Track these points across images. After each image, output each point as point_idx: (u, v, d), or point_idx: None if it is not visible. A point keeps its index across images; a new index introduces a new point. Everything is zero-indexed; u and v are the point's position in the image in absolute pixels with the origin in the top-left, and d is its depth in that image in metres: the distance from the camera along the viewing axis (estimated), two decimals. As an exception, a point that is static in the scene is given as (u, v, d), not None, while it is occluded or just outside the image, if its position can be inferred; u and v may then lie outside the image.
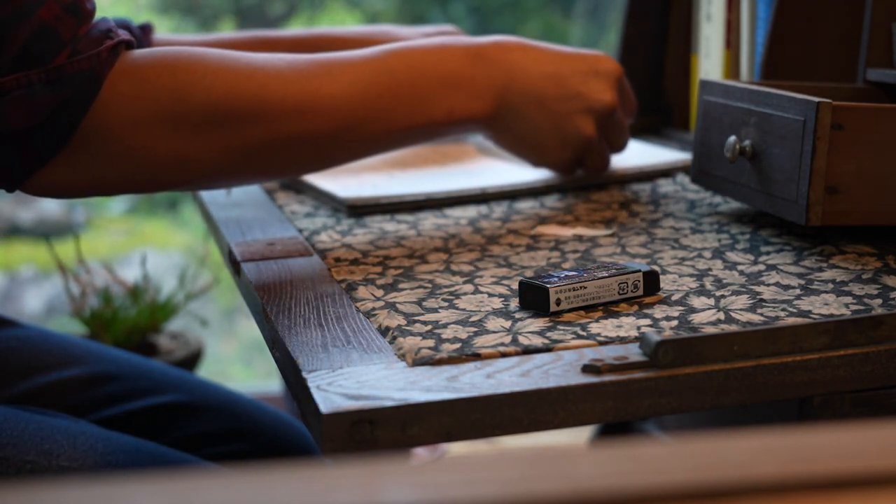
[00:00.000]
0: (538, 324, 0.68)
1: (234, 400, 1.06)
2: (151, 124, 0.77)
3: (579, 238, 0.88)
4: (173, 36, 1.10)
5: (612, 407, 0.60)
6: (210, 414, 1.03)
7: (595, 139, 0.97)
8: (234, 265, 0.86)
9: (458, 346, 0.65)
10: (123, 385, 1.02)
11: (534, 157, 0.98)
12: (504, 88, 0.90)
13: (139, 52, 0.78)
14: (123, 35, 0.78)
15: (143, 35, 1.06)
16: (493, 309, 0.71)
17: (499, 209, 0.98)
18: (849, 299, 0.71)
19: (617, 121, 0.98)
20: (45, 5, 0.73)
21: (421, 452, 1.82)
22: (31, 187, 0.78)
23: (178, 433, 1.01)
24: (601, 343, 0.65)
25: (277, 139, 0.81)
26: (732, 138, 0.87)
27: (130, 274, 1.89)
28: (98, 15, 0.78)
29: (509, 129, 0.93)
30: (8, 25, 0.73)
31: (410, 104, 0.86)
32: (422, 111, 0.86)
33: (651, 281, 0.73)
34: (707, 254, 0.82)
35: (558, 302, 0.69)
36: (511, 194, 1.02)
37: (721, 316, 0.69)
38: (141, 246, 2.54)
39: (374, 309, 0.72)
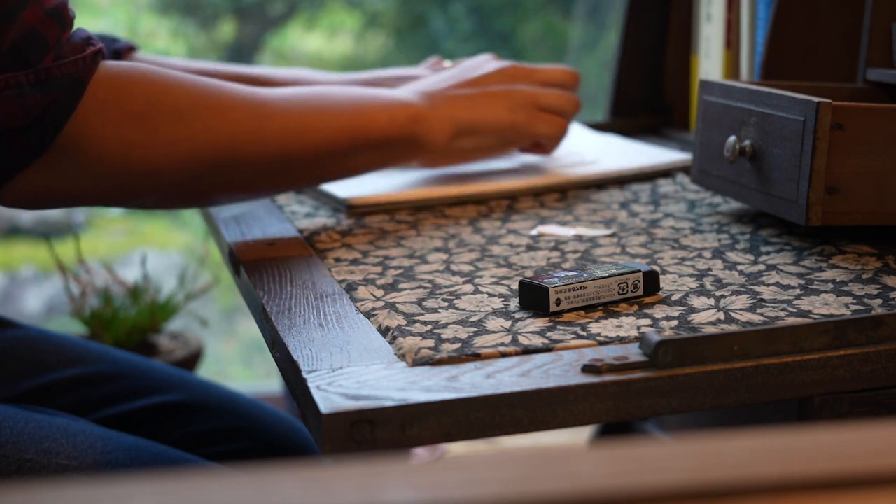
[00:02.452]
0: (538, 324, 0.68)
1: (233, 399, 1.06)
2: (127, 131, 0.79)
3: (579, 238, 0.88)
4: (155, 56, 1.11)
5: (612, 407, 0.60)
6: (210, 413, 1.03)
7: (516, 114, 1.00)
8: (234, 265, 0.86)
9: (458, 346, 0.65)
10: (123, 385, 1.02)
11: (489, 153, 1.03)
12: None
13: (113, 63, 0.81)
14: (100, 44, 0.80)
15: (126, 52, 1.08)
16: (493, 309, 0.71)
17: (499, 209, 0.98)
18: (849, 299, 0.71)
19: (530, 91, 1.02)
20: (28, 9, 0.75)
21: (421, 452, 1.82)
22: (5, 194, 0.79)
23: (178, 432, 1.01)
24: (601, 343, 0.65)
25: (242, 147, 0.84)
26: (732, 138, 0.87)
27: (130, 274, 1.89)
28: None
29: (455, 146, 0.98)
30: None
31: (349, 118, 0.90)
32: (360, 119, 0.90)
33: (651, 281, 0.73)
34: (707, 254, 0.82)
35: (558, 302, 0.69)
36: (511, 194, 1.02)
37: (721, 316, 0.69)
38: (141, 246, 2.54)
39: (374, 309, 0.72)
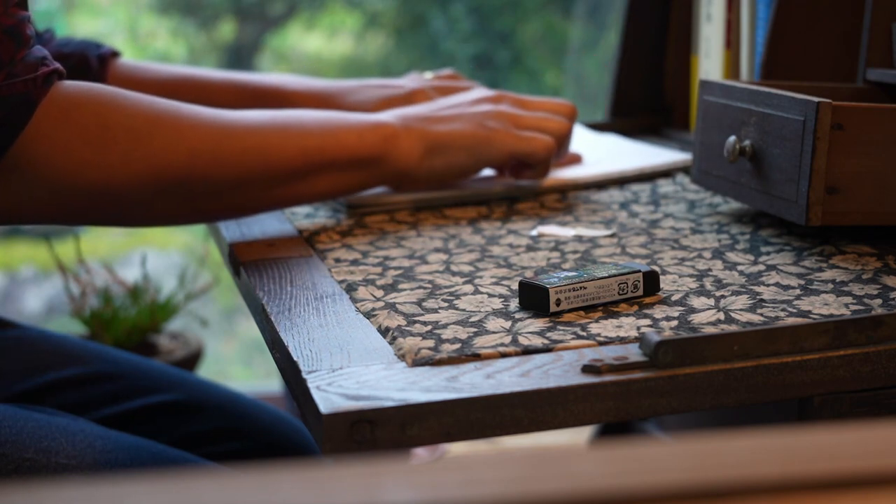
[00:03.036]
0: (538, 324, 0.68)
1: (233, 399, 1.06)
2: (80, 150, 0.79)
3: (579, 238, 0.88)
4: (137, 62, 1.11)
5: (612, 407, 0.60)
6: (209, 413, 1.03)
7: (488, 128, 0.96)
8: (234, 265, 0.86)
9: (457, 346, 0.65)
10: (122, 384, 1.02)
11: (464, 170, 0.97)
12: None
13: (69, 83, 0.80)
14: (56, 65, 0.79)
15: (109, 58, 1.07)
16: (493, 309, 0.71)
17: (499, 209, 0.98)
18: (849, 299, 0.71)
19: (508, 111, 0.98)
20: None
21: (421, 452, 1.82)
22: None
23: (177, 432, 1.01)
24: (601, 343, 0.65)
25: (200, 167, 0.83)
26: (732, 138, 0.87)
27: (130, 274, 1.89)
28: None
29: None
30: None
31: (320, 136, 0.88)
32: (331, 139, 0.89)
33: (651, 281, 0.73)
34: (707, 254, 0.82)
35: (558, 302, 0.69)
36: (511, 195, 1.02)
37: (721, 316, 0.69)
38: (141, 246, 2.54)
39: (373, 309, 0.72)
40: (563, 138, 1.02)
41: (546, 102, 1.04)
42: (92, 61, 1.06)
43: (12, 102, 0.76)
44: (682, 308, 0.71)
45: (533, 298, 0.70)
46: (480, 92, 1.01)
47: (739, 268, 0.79)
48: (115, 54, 1.09)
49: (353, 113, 0.93)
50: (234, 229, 0.94)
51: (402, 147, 0.91)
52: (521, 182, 1.03)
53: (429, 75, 1.14)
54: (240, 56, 2.51)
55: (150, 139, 0.81)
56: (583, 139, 1.22)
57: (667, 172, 1.10)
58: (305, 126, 0.87)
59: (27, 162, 0.77)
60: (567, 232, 0.89)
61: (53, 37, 1.07)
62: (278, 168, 0.86)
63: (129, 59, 1.11)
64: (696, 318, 0.69)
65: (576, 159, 1.11)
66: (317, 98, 1.07)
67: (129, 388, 1.02)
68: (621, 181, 1.07)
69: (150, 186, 0.81)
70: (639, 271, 0.72)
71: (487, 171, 1.05)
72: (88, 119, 0.79)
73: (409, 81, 1.11)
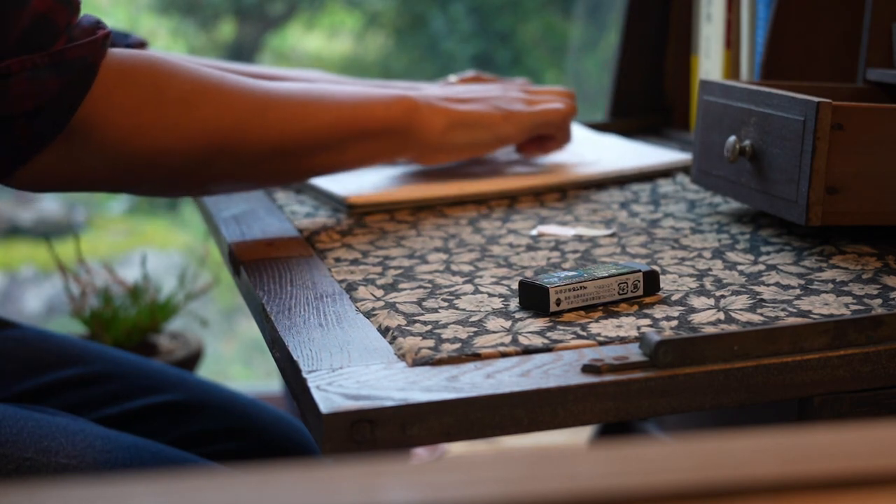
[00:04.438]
0: (538, 324, 0.68)
1: (233, 399, 1.06)
2: (135, 115, 0.81)
3: (579, 238, 0.88)
4: (166, 53, 1.12)
5: (612, 407, 0.60)
6: (209, 412, 1.03)
7: (509, 107, 1.02)
8: (234, 265, 0.86)
9: (458, 346, 0.65)
10: (122, 384, 1.02)
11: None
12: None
13: (119, 50, 0.82)
14: (108, 28, 0.81)
15: (137, 48, 1.08)
16: (493, 309, 0.71)
17: (499, 209, 0.98)
18: (849, 299, 0.71)
19: (523, 92, 1.06)
20: None
21: (421, 452, 1.82)
22: (19, 177, 0.80)
23: (177, 432, 1.01)
24: (601, 343, 0.65)
25: (245, 134, 0.86)
26: (732, 138, 0.87)
27: (130, 274, 1.89)
28: (99, 17, 0.82)
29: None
30: (7, 13, 0.75)
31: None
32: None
33: (651, 281, 0.73)
34: (707, 254, 0.82)
35: (558, 302, 0.69)
36: (511, 194, 1.02)
37: (721, 316, 0.69)
38: (141, 246, 2.54)
39: (374, 309, 0.72)
40: (569, 116, 1.07)
41: (548, 89, 1.11)
42: None
43: (77, 66, 0.77)
44: (682, 308, 0.71)
45: (533, 298, 0.70)
46: (490, 84, 1.09)
47: (739, 268, 0.79)
48: (142, 44, 1.10)
49: (379, 88, 0.97)
50: (234, 229, 0.94)
51: (425, 119, 0.95)
52: (548, 168, 1.09)
53: (453, 78, 1.17)
54: (240, 56, 2.51)
55: (200, 105, 0.84)
56: (583, 139, 1.22)
57: (667, 172, 1.10)
58: (338, 98, 0.91)
59: (87, 126, 0.79)
60: (567, 232, 0.89)
61: None
62: (316, 136, 0.89)
63: (157, 49, 1.12)
64: (696, 318, 0.69)
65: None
66: None
67: (128, 388, 1.02)
68: (621, 181, 1.07)
69: (200, 151, 0.84)
70: (639, 271, 0.72)
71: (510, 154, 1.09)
72: (143, 84, 0.82)
73: (436, 88, 1.14)
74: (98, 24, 0.80)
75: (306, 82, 1.10)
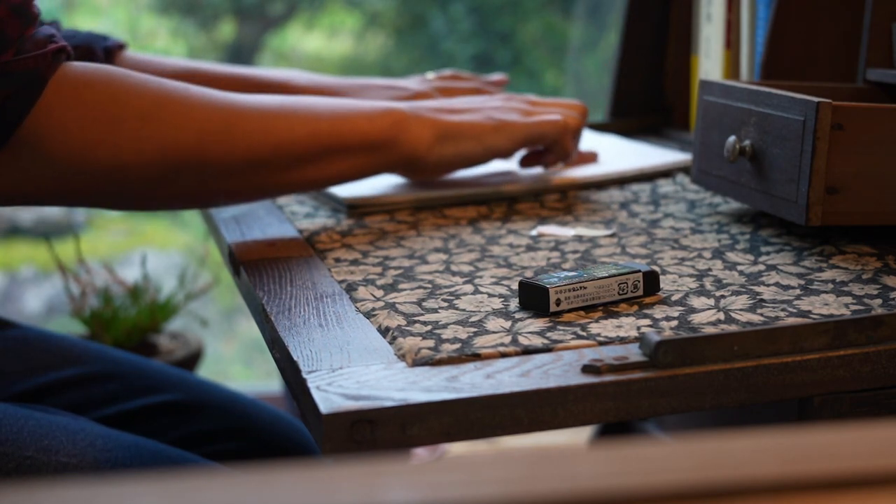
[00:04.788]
0: (538, 324, 0.68)
1: (232, 398, 1.06)
2: (91, 129, 0.79)
3: (579, 238, 0.88)
4: (144, 55, 1.11)
5: (612, 407, 0.60)
6: (209, 412, 1.03)
7: (499, 118, 0.98)
8: (234, 265, 0.86)
9: (457, 346, 0.65)
10: (122, 384, 1.02)
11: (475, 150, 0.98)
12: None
13: (79, 63, 0.80)
14: (63, 42, 0.79)
15: (116, 50, 1.08)
16: (493, 309, 0.71)
17: (499, 209, 0.98)
18: (849, 299, 0.71)
19: (519, 104, 1.01)
20: None
21: (421, 452, 1.82)
22: None
23: (177, 431, 1.01)
24: (601, 343, 0.65)
25: (209, 148, 0.83)
26: (732, 138, 0.87)
27: (130, 274, 1.89)
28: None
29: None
30: None
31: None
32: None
33: (651, 281, 0.73)
34: (707, 254, 0.82)
35: (558, 302, 0.69)
36: (511, 195, 1.02)
37: (721, 316, 0.69)
38: (141, 246, 2.54)
39: (373, 309, 0.72)
40: (575, 131, 1.03)
41: (557, 101, 1.05)
42: (98, 53, 1.06)
43: (22, 78, 0.76)
44: (682, 308, 0.71)
45: (533, 298, 0.70)
46: (492, 95, 1.04)
47: (739, 268, 0.79)
48: (121, 47, 1.09)
49: (366, 100, 0.94)
50: (234, 229, 0.94)
51: (412, 132, 0.91)
52: (548, 171, 1.06)
53: (431, 76, 1.15)
54: (240, 56, 2.52)
55: (160, 119, 0.81)
56: (583, 139, 1.22)
57: (667, 172, 1.10)
58: (316, 110, 0.88)
59: (37, 140, 0.77)
60: (567, 232, 0.89)
61: (59, 29, 1.07)
62: (289, 151, 0.86)
63: (136, 51, 1.11)
64: (696, 318, 0.69)
65: (591, 157, 1.11)
66: (320, 94, 1.08)
67: (128, 388, 1.02)
68: (621, 181, 1.07)
69: (158, 166, 0.81)
70: (639, 271, 0.72)
71: (506, 165, 1.06)
72: (99, 98, 0.80)
73: (414, 83, 1.12)
74: (52, 38, 0.78)
75: (285, 85, 1.09)
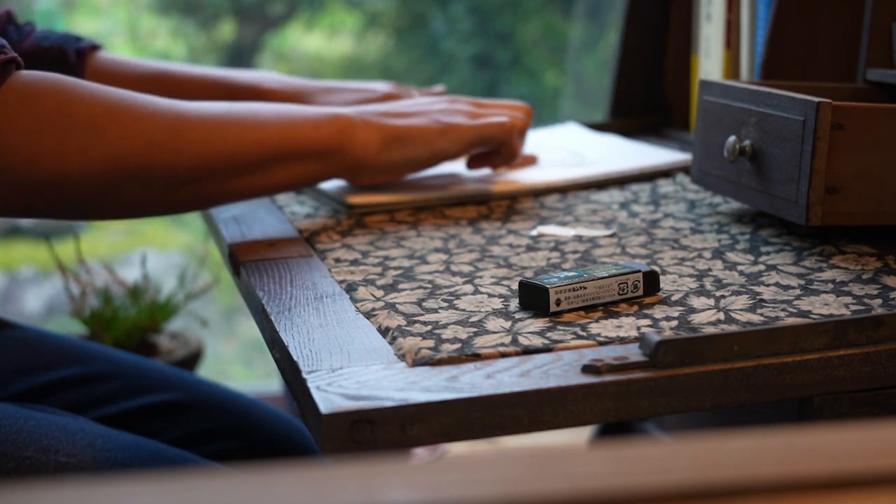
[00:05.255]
0: (538, 324, 0.68)
1: (232, 398, 1.06)
2: (37, 139, 0.79)
3: (579, 238, 0.88)
4: (115, 56, 1.11)
5: (612, 407, 0.60)
6: (208, 412, 1.03)
7: (446, 121, 0.97)
8: (234, 265, 0.86)
9: (457, 346, 0.65)
10: (122, 383, 1.02)
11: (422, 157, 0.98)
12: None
13: (26, 72, 0.80)
14: (13, 54, 0.79)
15: (89, 51, 1.07)
16: (493, 309, 0.71)
17: (499, 209, 0.98)
18: (849, 299, 0.71)
19: (464, 107, 1.01)
20: None
21: (421, 452, 1.82)
22: None
23: (176, 431, 1.01)
24: (601, 343, 0.65)
25: (157, 157, 0.83)
26: (732, 138, 0.87)
27: (130, 274, 1.89)
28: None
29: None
30: None
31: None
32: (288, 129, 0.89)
33: (651, 281, 0.72)
34: (707, 254, 0.82)
35: (558, 302, 0.69)
36: (511, 195, 1.02)
37: (721, 316, 0.69)
38: (141, 246, 2.54)
39: (373, 309, 0.72)
40: (521, 131, 1.03)
41: (502, 102, 1.05)
42: (70, 55, 1.06)
43: None
44: (682, 308, 0.71)
45: (533, 298, 0.70)
46: (437, 97, 1.03)
47: (739, 268, 0.79)
48: (94, 48, 1.09)
49: (311, 106, 0.93)
50: (234, 229, 0.94)
51: (358, 138, 0.91)
52: (496, 172, 1.06)
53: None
54: (240, 56, 2.52)
55: (108, 128, 0.81)
56: (583, 139, 1.22)
57: (667, 172, 1.10)
58: (263, 117, 0.88)
59: None
60: (567, 232, 0.89)
61: (34, 30, 1.08)
62: (236, 159, 0.86)
63: (109, 52, 1.11)
64: (696, 318, 0.69)
65: (530, 160, 1.11)
66: (290, 96, 1.08)
67: (128, 387, 1.02)
68: (621, 181, 1.07)
69: (107, 176, 0.81)
70: (639, 271, 0.72)
71: (455, 168, 1.06)
72: (46, 108, 0.79)
73: (383, 86, 1.12)
74: (2, 49, 0.78)
75: (254, 88, 1.08)
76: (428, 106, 0.99)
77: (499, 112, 1.02)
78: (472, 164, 1.04)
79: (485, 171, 1.07)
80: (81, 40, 1.09)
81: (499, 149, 1.01)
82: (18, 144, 0.78)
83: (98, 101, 0.81)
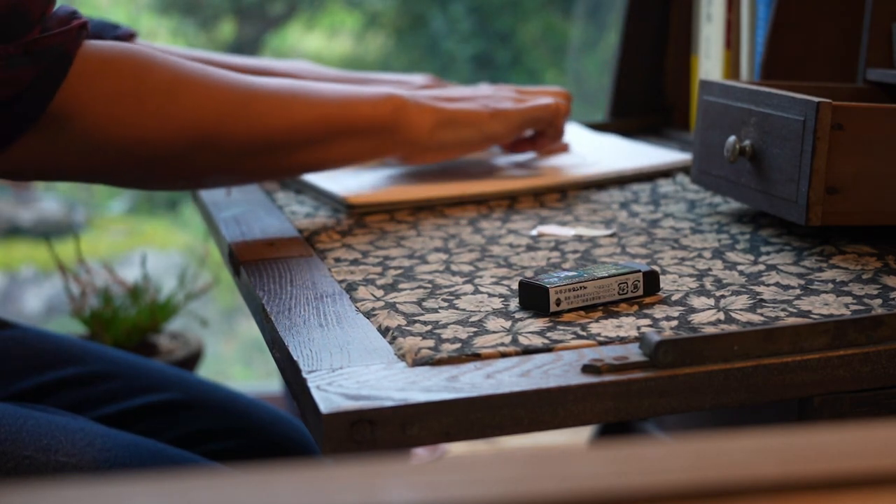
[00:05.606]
0: (538, 324, 0.68)
1: (231, 397, 1.06)
2: (116, 105, 0.81)
3: (579, 238, 0.88)
4: (153, 45, 1.12)
5: (612, 407, 0.60)
6: (207, 411, 1.03)
7: (496, 106, 1.01)
8: (234, 265, 0.86)
9: (457, 346, 0.65)
10: (121, 383, 1.02)
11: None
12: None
13: (101, 42, 0.82)
14: (85, 18, 0.81)
15: (127, 39, 1.09)
16: (493, 309, 0.71)
17: (499, 209, 0.98)
18: (849, 299, 0.71)
19: (512, 92, 1.07)
20: None
21: (421, 452, 1.82)
22: None
23: (175, 430, 1.01)
24: (601, 343, 0.65)
25: (228, 126, 0.85)
26: (732, 138, 0.87)
27: (130, 274, 1.89)
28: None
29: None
30: None
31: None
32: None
33: (651, 281, 0.72)
34: (707, 254, 0.82)
35: (558, 302, 0.69)
36: (511, 194, 1.02)
37: (721, 316, 0.69)
38: (141, 246, 2.54)
39: (374, 309, 0.72)
40: (563, 115, 1.08)
41: (542, 89, 1.11)
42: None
43: (50, 55, 0.77)
44: (682, 308, 0.71)
45: (533, 298, 0.70)
46: (481, 85, 1.09)
47: (739, 268, 0.79)
48: (132, 35, 1.10)
49: (368, 86, 0.97)
50: (234, 229, 0.94)
51: (412, 118, 0.95)
52: (545, 157, 1.11)
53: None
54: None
55: (182, 96, 0.83)
56: (583, 139, 1.22)
57: (667, 172, 1.10)
58: (325, 94, 0.91)
59: (64, 117, 0.79)
60: (567, 232, 0.89)
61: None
62: (300, 132, 0.89)
63: (146, 41, 1.12)
64: (696, 318, 0.69)
65: (564, 148, 1.15)
66: None
67: (127, 387, 1.02)
68: (621, 181, 1.07)
69: (182, 143, 0.84)
70: (639, 271, 0.72)
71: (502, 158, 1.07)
72: (123, 75, 0.81)
73: (419, 79, 1.15)
74: (74, 14, 0.80)
75: (292, 77, 1.11)
76: (475, 93, 1.04)
77: (543, 96, 1.07)
78: (517, 148, 1.09)
79: (525, 156, 1.11)
80: (119, 27, 1.10)
81: (545, 130, 1.07)
82: (98, 111, 0.80)
83: (172, 71, 0.84)
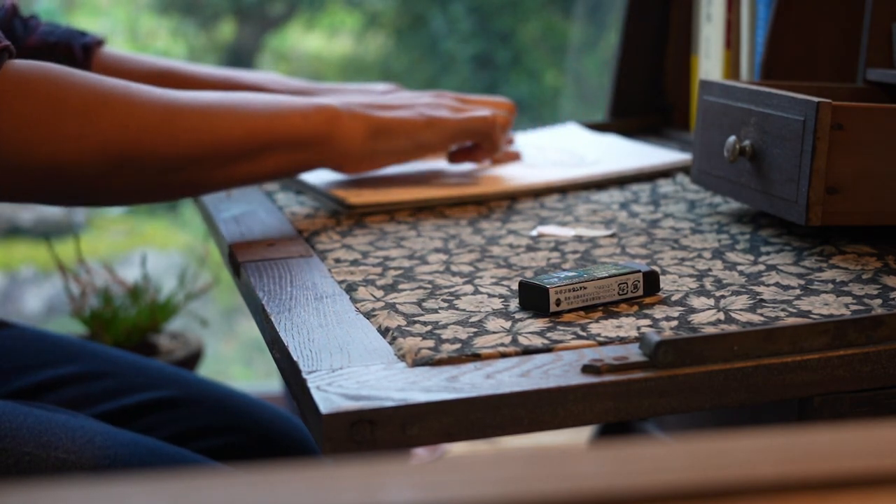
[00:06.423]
0: (538, 324, 0.68)
1: (229, 395, 1.06)
2: (31, 126, 0.80)
3: (579, 238, 0.88)
4: (121, 52, 1.12)
5: (612, 407, 0.60)
6: (206, 408, 1.03)
7: (431, 115, 0.99)
8: (234, 265, 0.86)
9: (457, 346, 0.65)
10: (119, 381, 1.02)
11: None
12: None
13: (20, 61, 0.81)
14: (6, 42, 0.80)
15: (95, 46, 1.08)
16: (493, 309, 0.71)
17: (499, 210, 0.98)
18: (849, 299, 0.71)
19: (449, 101, 1.04)
20: None
21: (421, 452, 1.82)
22: None
23: (174, 427, 1.01)
24: (601, 343, 0.65)
25: (150, 144, 0.84)
26: (732, 138, 0.87)
27: (130, 274, 1.89)
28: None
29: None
30: None
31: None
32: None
33: (651, 281, 0.72)
34: (707, 254, 0.82)
35: (558, 302, 0.69)
36: (511, 195, 1.02)
37: (721, 316, 0.69)
38: (141, 246, 2.54)
39: (373, 309, 0.72)
40: (503, 127, 1.05)
41: (486, 99, 1.09)
42: (76, 50, 1.07)
43: None
44: (682, 308, 0.71)
45: (533, 298, 0.70)
46: (422, 92, 1.07)
47: (739, 268, 0.79)
48: (99, 43, 1.09)
49: (300, 97, 0.95)
50: (234, 229, 0.94)
51: (345, 129, 0.93)
52: (479, 165, 1.08)
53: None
54: (240, 56, 2.52)
55: (101, 115, 0.82)
56: (583, 139, 1.22)
57: (667, 172, 1.10)
58: (253, 107, 0.89)
59: None
60: (567, 232, 0.89)
61: (39, 24, 1.08)
62: (227, 147, 0.87)
63: (114, 48, 1.11)
64: (696, 318, 0.69)
65: (514, 157, 1.13)
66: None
67: (126, 384, 1.02)
68: (621, 181, 1.07)
69: (101, 162, 0.82)
70: (639, 271, 0.72)
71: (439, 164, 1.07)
72: (40, 95, 0.80)
73: (383, 87, 1.14)
74: None
75: (258, 89, 1.10)
76: (413, 100, 1.01)
77: (482, 108, 1.04)
78: (454, 159, 1.06)
79: (468, 167, 1.08)
80: (86, 35, 1.09)
81: (481, 142, 1.03)
82: (13, 132, 0.79)
83: (91, 89, 0.82)
